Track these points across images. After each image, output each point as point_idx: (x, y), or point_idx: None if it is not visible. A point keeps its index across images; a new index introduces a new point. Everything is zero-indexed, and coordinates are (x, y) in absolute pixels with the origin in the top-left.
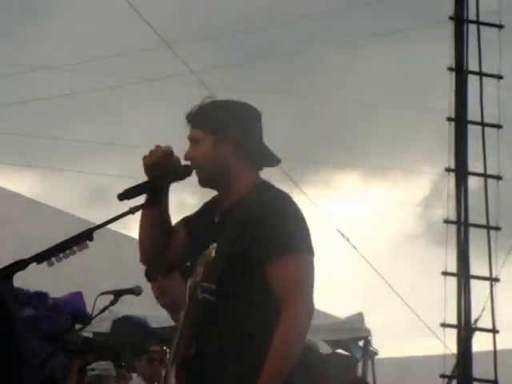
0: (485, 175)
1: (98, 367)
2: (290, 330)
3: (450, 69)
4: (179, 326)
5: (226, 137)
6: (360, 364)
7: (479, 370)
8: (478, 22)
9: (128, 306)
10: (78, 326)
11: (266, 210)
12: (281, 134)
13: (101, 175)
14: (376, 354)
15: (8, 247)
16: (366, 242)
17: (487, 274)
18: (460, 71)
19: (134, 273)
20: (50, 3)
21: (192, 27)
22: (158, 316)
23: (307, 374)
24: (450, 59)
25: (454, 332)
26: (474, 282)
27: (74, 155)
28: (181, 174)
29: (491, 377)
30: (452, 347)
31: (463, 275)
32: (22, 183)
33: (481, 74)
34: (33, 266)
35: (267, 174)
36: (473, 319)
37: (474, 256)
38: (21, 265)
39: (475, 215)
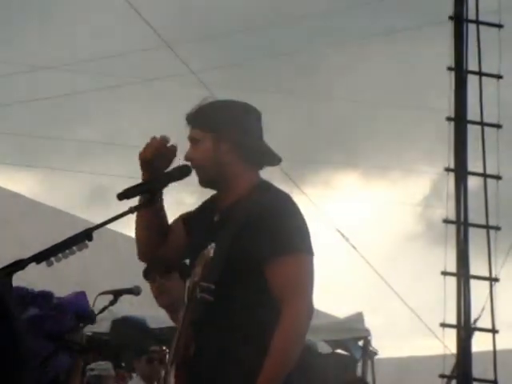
0: (484, 175)
1: (98, 367)
2: (290, 331)
3: (450, 68)
4: (178, 326)
5: (225, 136)
6: (359, 364)
7: (479, 370)
8: (477, 22)
9: (127, 306)
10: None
11: (266, 210)
12: (281, 134)
13: (101, 175)
14: (375, 353)
15: (8, 247)
16: (366, 242)
17: (487, 274)
18: (460, 71)
19: (134, 273)
20: (50, 3)
21: (192, 27)
22: (157, 316)
23: (306, 375)
24: (449, 59)
25: (453, 332)
26: (473, 282)
27: (73, 155)
28: (180, 173)
29: (491, 377)
30: (452, 347)
31: (463, 275)
32: (22, 183)
33: (480, 73)
34: (32, 265)
35: (267, 174)
36: (472, 319)
37: (474, 256)
38: (20, 265)
39: (475, 215)
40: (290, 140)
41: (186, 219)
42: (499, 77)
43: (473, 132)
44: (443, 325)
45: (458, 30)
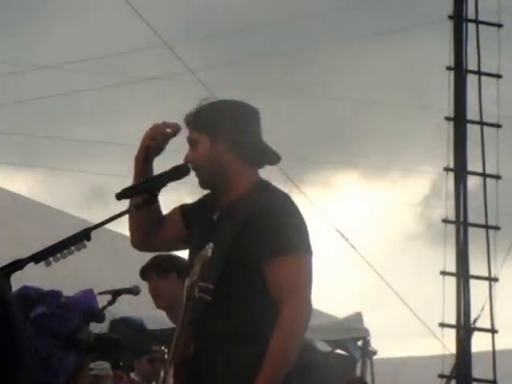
0: (484, 175)
1: (96, 367)
2: (288, 330)
3: (449, 68)
4: (177, 326)
5: (222, 136)
6: (359, 364)
7: (478, 370)
8: (477, 21)
9: (126, 306)
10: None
11: (265, 209)
12: (280, 134)
13: (100, 175)
14: (375, 353)
15: (6, 247)
16: (365, 242)
17: (486, 274)
18: (459, 70)
19: (132, 272)
20: (50, 3)
21: (192, 27)
22: (156, 317)
23: (305, 374)
24: (448, 58)
25: (452, 332)
26: (472, 282)
27: (73, 155)
28: (179, 173)
29: (490, 377)
30: (451, 347)
31: (462, 275)
32: (22, 183)
33: (480, 73)
34: (30, 265)
35: (266, 174)
36: (472, 319)
37: (473, 256)
38: (18, 264)
39: (474, 215)
40: (289, 140)
41: (184, 211)
42: (499, 76)
43: (472, 132)
44: (442, 325)
45: (457, 29)
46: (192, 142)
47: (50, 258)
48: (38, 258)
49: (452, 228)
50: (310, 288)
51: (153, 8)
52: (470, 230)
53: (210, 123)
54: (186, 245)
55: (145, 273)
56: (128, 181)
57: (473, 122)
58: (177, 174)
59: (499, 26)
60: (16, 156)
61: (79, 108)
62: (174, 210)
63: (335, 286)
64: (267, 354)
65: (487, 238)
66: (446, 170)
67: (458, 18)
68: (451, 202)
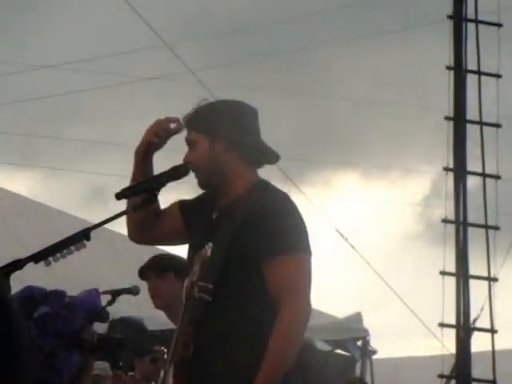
0: (483, 174)
1: (97, 367)
2: (287, 330)
3: (449, 68)
4: (177, 326)
5: (220, 136)
6: (358, 364)
7: (478, 371)
8: (476, 21)
9: (125, 306)
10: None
11: (264, 209)
12: (280, 133)
13: (101, 175)
14: (374, 353)
15: (6, 247)
16: (365, 242)
17: (486, 274)
18: (459, 70)
19: (132, 272)
20: (50, 3)
21: (192, 27)
22: (155, 317)
23: (304, 374)
24: (448, 58)
25: (452, 332)
26: (472, 282)
27: (73, 155)
28: (178, 173)
29: (490, 377)
30: (450, 347)
31: (462, 275)
32: (21, 183)
33: (479, 72)
34: (30, 265)
35: (265, 173)
36: (471, 319)
37: (473, 256)
38: (18, 264)
39: (474, 215)
40: (289, 139)
41: (183, 207)
42: (498, 76)
43: (472, 131)
44: (442, 325)
45: (457, 29)
46: (191, 143)
47: (50, 258)
48: (37, 257)
49: (452, 228)
50: (310, 288)
51: (153, 8)
52: (470, 229)
53: (209, 123)
54: (184, 240)
55: (143, 272)
56: (128, 181)
57: (472, 122)
58: (176, 173)
59: (499, 25)
60: (16, 156)
61: (79, 108)
62: (173, 205)
63: (335, 286)
64: (266, 353)
65: (487, 238)
66: (446, 169)
67: (458, 18)
68: (451, 202)
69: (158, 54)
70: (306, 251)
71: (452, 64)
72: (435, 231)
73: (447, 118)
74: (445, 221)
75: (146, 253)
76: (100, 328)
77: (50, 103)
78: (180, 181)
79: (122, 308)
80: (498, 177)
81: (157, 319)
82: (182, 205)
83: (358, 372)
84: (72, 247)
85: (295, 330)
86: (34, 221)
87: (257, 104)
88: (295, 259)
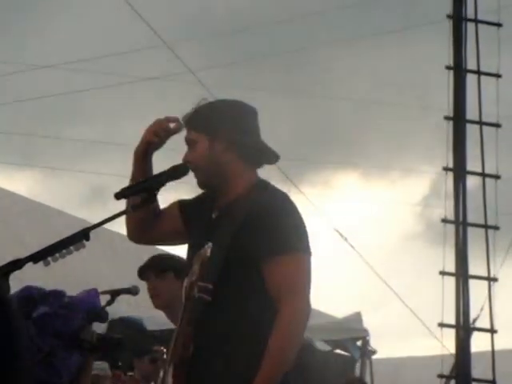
0: (483, 174)
1: (96, 367)
2: (287, 330)
3: (449, 67)
4: (176, 326)
5: (220, 135)
6: (358, 364)
7: (478, 370)
8: (476, 21)
9: (125, 306)
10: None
11: (263, 209)
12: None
13: (100, 175)
14: (374, 353)
15: (6, 247)
16: (365, 242)
17: (485, 274)
18: (458, 70)
19: (131, 272)
20: (50, 3)
21: (192, 27)
22: (155, 317)
23: (304, 374)
24: (448, 58)
25: (452, 332)
26: (472, 282)
27: (73, 155)
28: (177, 172)
29: (490, 377)
30: (450, 347)
31: (461, 275)
32: (21, 183)
33: (479, 72)
34: (29, 265)
35: (265, 173)
36: (471, 319)
37: (473, 255)
38: (17, 264)
39: (473, 215)
40: (289, 139)
41: (182, 206)
42: (498, 76)
43: (472, 131)
44: (442, 325)
45: (456, 28)
46: (190, 142)
47: (49, 258)
48: (36, 257)
49: (451, 228)
50: (309, 288)
51: (153, 8)
52: (470, 229)
53: (209, 123)
54: (183, 240)
55: (143, 273)
56: (127, 181)
57: (472, 122)
58: (176, 173)
59: (498, 25)
60: (15, 156)
61: (79, 108)
62: (173, 205)
63: (334, 286)
64: (266, 353)
65: (486, 237)
66: (446, 169)
67: (458, 18)
68: (450, 202)
69: (157, 53)
70: (306, 251)
71: (452, 64)
72: (435, 231)
73: (447, 118)
74: (444, 221)
75: (145, 253)
76: (99, 328)
77: (49, 103)
78: (179, 180)
79: (122, 308)
80: (497, 176)
81: (156, 319)
82: (181, 204)
83: (357, 372)
84: (71, 247)
85: (295, 330)
86: (33, 221)
87: (257, 104)
88: (295, 259)
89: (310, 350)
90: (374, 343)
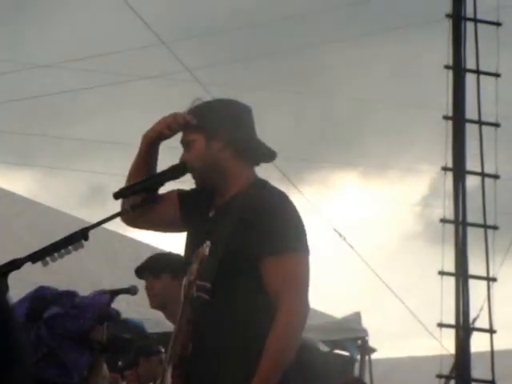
0: (482, 174)
1: None
2: (285, 329)
3: (448, 67)
4: (175, 326)
5: (216, 135)
6: (357, 364)
7: (477, 371)
8: (475, 20)
9: (124, 306)
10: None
11: (261, 208)
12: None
13: (98, 174)
14: (373, 351)
15: (4, 246)
16: (364, 242)
17: (485, 274)
18: (457, 69)
19: (130, 272)
20: (50, 2)
21: (191, 26)
22: (154, 318)
23: (303, 373)
24: (447, 57)
25: (451, 332)
26: (471, 282)
27: (72, 154)
28: (177, 172)
29: (489, 377)
30: (450, 347)
31: (461, 275)
32: (19, 182)
33: (478, 72)
34: (28, 265)
35: (263, 172)
36: (470, 319)
37: (472, 255)
38: (15, 264)
39: (473, 214)
40: (287, 138)
41: (181, 196)
42: (497, 75)
43: (471, 131)
44: (441, 325)
45: (455, 28)
46: (187, 143)
47: (47, 258)
48: (35, 257)
49: (451, 228)
50: (307, 287)
51: (151, 7)
52: (469, 229)
53: (206, 122)
54: (177, 229)
55: (140, 272)
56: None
57: (471, 122)
58: (175, 173)
59: (498, 24)
60: (14, 155)
61: (77, 107)
62: (171, 193)
63: (333, 286)
64: (264, 353)
65: (486, 237)
66: (445, 169)
67: (457, 17)
68: (450, 202)
69: (156, 53)
70: (304, 251)
71: (451, 63)
72: (434, 231)
73: (446, 118)
74: (444, 220)
75: (144, 252)
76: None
77: (48, 102)
78: (178, 180)
79: (121, 308)
80: (496, 176)
81: (155, 320)
82: (180, 194)
83: (356, 372)
84: (70, 247)
85: (293, 329)
86: (32, 220)
87: (255, 103)
88: (293, 258)
89: (309, 349)
90: (373, 343)
